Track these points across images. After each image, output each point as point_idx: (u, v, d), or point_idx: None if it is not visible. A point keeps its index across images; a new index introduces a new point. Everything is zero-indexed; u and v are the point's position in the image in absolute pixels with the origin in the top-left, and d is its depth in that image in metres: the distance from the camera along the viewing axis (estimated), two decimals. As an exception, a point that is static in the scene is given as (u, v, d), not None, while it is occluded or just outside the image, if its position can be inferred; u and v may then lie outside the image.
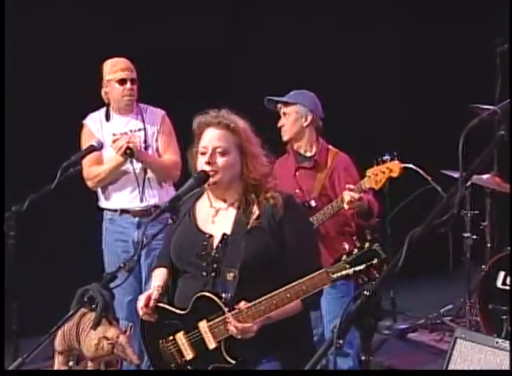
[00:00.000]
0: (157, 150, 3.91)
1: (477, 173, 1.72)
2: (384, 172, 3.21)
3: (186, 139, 4.19)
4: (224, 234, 2.34)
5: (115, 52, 5.00)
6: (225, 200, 2.39)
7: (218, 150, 2.33)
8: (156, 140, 3.92)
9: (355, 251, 2.09)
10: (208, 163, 2.33)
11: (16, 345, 3.16)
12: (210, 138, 2.35)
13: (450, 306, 4.88)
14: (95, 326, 2.37)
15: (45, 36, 4.91)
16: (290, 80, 4.90)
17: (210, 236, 2.36)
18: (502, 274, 4.12)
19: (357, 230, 3.53)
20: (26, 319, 3.41)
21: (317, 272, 2.13)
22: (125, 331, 2.36)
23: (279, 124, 3.60)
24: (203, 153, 2.36)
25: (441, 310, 4.85)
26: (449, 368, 2.97)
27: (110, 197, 3.93)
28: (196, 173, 2.43)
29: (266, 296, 2.19)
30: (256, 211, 2.33)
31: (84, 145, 3.86)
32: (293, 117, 3.55)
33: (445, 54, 5.91)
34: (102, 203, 3.98)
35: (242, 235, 2.30)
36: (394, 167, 3.21)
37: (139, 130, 3.92)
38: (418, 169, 4.44)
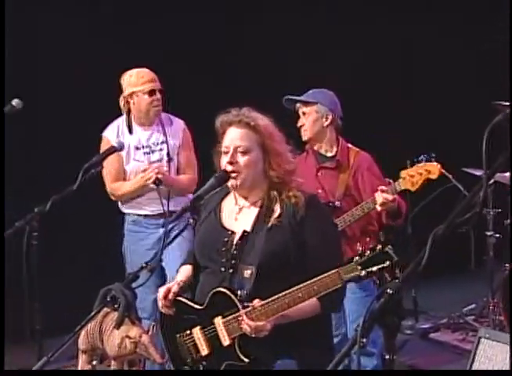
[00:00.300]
0: (178, 162, 3.95)
1: (500, 171, 1.70)
2: (421, 174, 3.18)
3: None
4: (244, 231, 2.35)
5: (115, 52, 5.03)
6: (249, 199, 2.40)
7: (240, 149, 2.34)
8: (178, 153, 3.95)
9: (368, 252, 2.07)
10: (230, 163, 2.34)
11: (40, 344, 3.19)
12: (232, 137, 2.36)
13: (473, 306, 4.83)
14: (118, 325, 2.39)
15: (45, 36, 4.93)
16: (290, 80, 4.90)
17: (232, 232, 2.38)
18: (526, 273, 4.08)
19: (380, 229, 3.51)
20: (50, 320, 3.44)
21: (329, 273, 2.13)
22: (148, 331, 2.38)
23: (298, 124, 3.57)
24: (225, 153, 2.36)
25: (464, 309, 4.80)
26: (473, 368, 2.94)
27: (134, 206, 3.97)
28: (217, 173, 2.45)
29: (279, 295, 2.19)
30: (278, 209, 2.33)
31: (106, 158, 3.80)
32: (314, 116, 3.52)
33: (454, 50, 5.88)
34: (125, 209, 4.02)
35: (262, 233, 2.30)
36: (433, 168, 3.19)
37: (162, 143, 3.94)
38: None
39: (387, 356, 1.62)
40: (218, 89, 5.19)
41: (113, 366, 2.46)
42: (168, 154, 3.91)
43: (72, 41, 4.99)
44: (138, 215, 3.95)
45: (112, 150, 3.76)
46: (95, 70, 4.97)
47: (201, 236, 2.47)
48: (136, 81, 3.87)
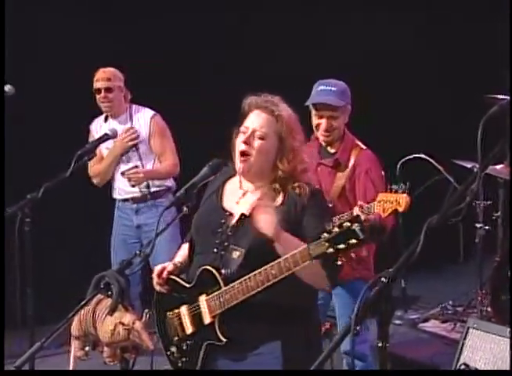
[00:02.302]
0: (152, 149, 4.17)
1: (492, 163, 1.72)
2: (392, 203, 2.91)
3: (183, 139, 4.34)
4: (242, 214, 2.36)
5: (115, 52, 5.03)
6: (254, 184, 2.41)
7: (257, 133, 2.36)
8: (149, 141, 4.17)
9: (336, 229, 2.03)
10: (245, 143, 2.36)
11: (32, 330, 3.20)
12: (254, 120, 2.38)
13: (462, 297, 4.88)
14: (112, 312, 2.39)
15: (45, 36, 4.95)
16: (291, 79, 4.90)
17: (231, 214, 2.38)
18: (514, 265, 4.11)
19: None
20: (42, 306, 3.45)
21: (299, 249, 2.11)
22: (141, 317, 2.40)
23: (324, 127, 3.26)
24: (243, 133, 2.38)
25: (453, 301, 4.85)
26: (461, 357, 2.97)
27: (117, 192, 4.28)
28: (211, 161, 2.48)
29: (255, 272, 2.19)
30: (280, 198, 2.34)
31: (99, 145, 4.14)
32: (342, 118, 3.28)
33: (452, 45, 5.91)
34: (114, 195, 4.33)
35: None
36: (402, 200, 2.89)
37: None
38: (430, 159, 4.43)
39: (379, 344, 1.64)
40: (218, 89, 5.19)
41: (106, 352, 2.47)
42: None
43: (72, 41, 5.00)
44: (119, 200, 4.26)
45: (105, 138, 3.88)
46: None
47: (199, 216, 2.48)
48: (94, 79, 4.19)
